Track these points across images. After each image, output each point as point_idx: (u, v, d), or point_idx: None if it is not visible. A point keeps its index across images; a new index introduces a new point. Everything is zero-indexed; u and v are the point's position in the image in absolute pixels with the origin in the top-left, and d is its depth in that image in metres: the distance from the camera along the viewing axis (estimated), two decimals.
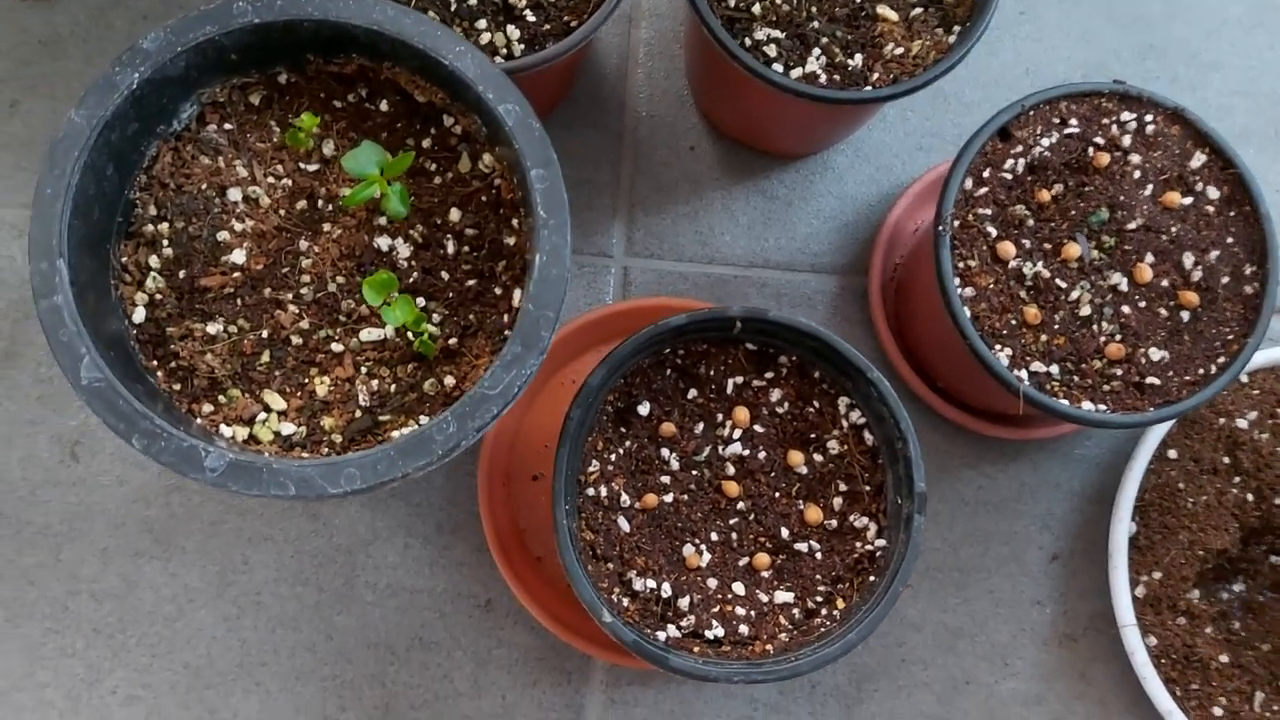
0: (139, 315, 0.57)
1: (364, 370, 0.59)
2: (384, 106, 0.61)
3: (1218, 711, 0.74)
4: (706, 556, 0.65)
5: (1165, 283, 0.66)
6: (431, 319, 0.59)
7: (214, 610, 0.76)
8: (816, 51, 0.69)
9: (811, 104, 0.68)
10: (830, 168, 0.85)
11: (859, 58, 0.69)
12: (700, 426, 0.66)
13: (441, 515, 0.78)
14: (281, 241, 0.59)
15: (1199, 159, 0.67)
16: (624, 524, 0.64)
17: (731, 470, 0.66)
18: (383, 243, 0.60)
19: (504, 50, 0.68)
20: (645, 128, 0.85)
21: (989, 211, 0.67)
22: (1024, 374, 0.65)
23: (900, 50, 0.69)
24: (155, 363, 0.57)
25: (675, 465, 0.66)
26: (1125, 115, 0.68)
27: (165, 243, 0.58)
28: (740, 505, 0.65)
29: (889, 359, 0.79)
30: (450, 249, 0.60)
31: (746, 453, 0.66)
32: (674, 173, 0.84)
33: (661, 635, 0.62)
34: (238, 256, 0.58)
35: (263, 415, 0.57)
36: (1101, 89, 0.68)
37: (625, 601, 0.63)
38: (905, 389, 0.79)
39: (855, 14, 0.71)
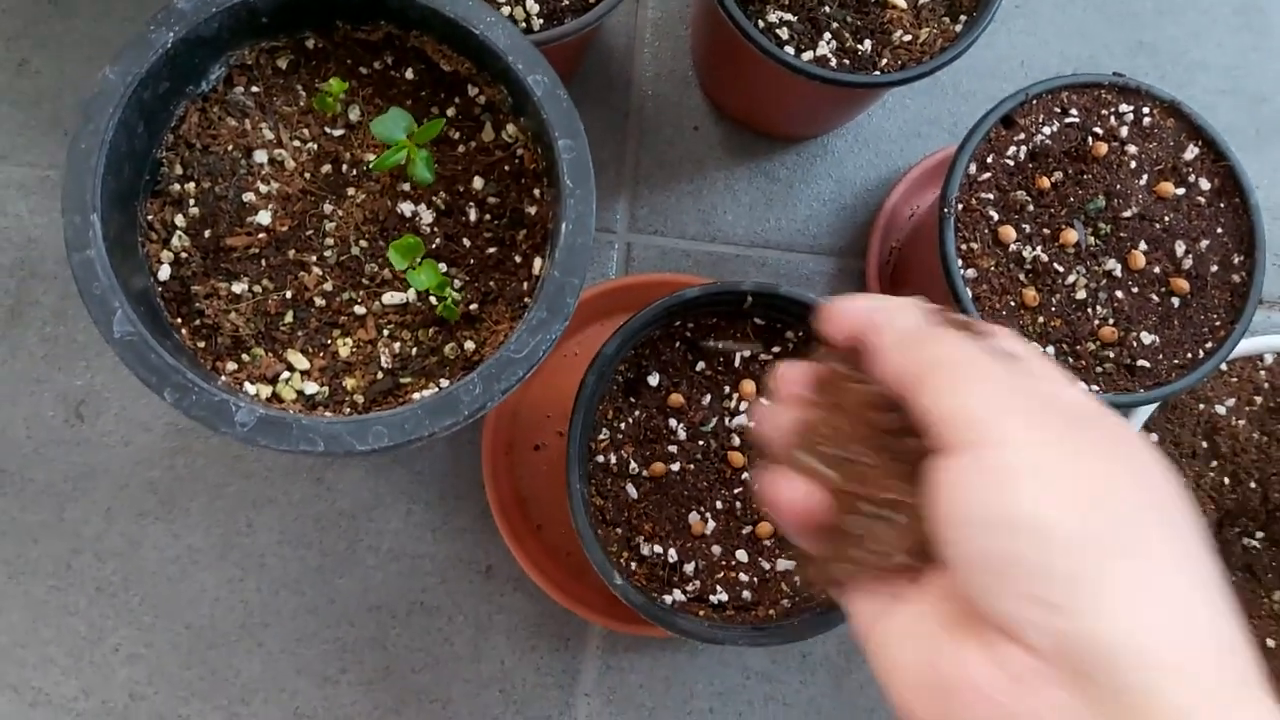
0: (164, 273, 0.58)
1: (386, 333, 0.60)
2: (409, 75, 0.62)
3: None
4: (711, 524, 0.66)
5: (1157, 270, 0.69)
6: (453, 285, 0.60)
7: (217, 572, 0.76)
8: (827, 36, 0.71)
9: (821, 86, 0.69)
10: (830, 151, 0.87)
11: (868, 43, 0.71)
12: (708, 398, 0.68)
13: (444, 483, 0.79)
14: (306, 204, 0.60)
15: (1192, 151, 0.70)
16: (632, 491, 0.66)
17: (737, 441, 0.68)
18: (406, 208, 0.61)
19: (523, 23, 0.70)
20: (651, 107, 0.86)
21: (991, 196, 0.69)
22: None
23: (909, 37, 0.71)
24: (180, 320, 0.58)
25: (683, 435, 0.67)
26: (1123, 107, 0.70)
27: (191, 202, 0.59)
28: (745, 475, 0.67)
29: None
30: (472, 216, 0.61)
31: (752, 424, 0.67)
32: (678, 152, 0.86)
33: (668, 599, 0.64)
34: (263, 218, 0.59)
35: (286, 374, 0.58)
36: (1101, 80, 0.70)
37: (633, 565, 0.65)
38: None
39: (865, 0, 0.72)
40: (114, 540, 0.76)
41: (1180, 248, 0.69)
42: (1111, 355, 0.68)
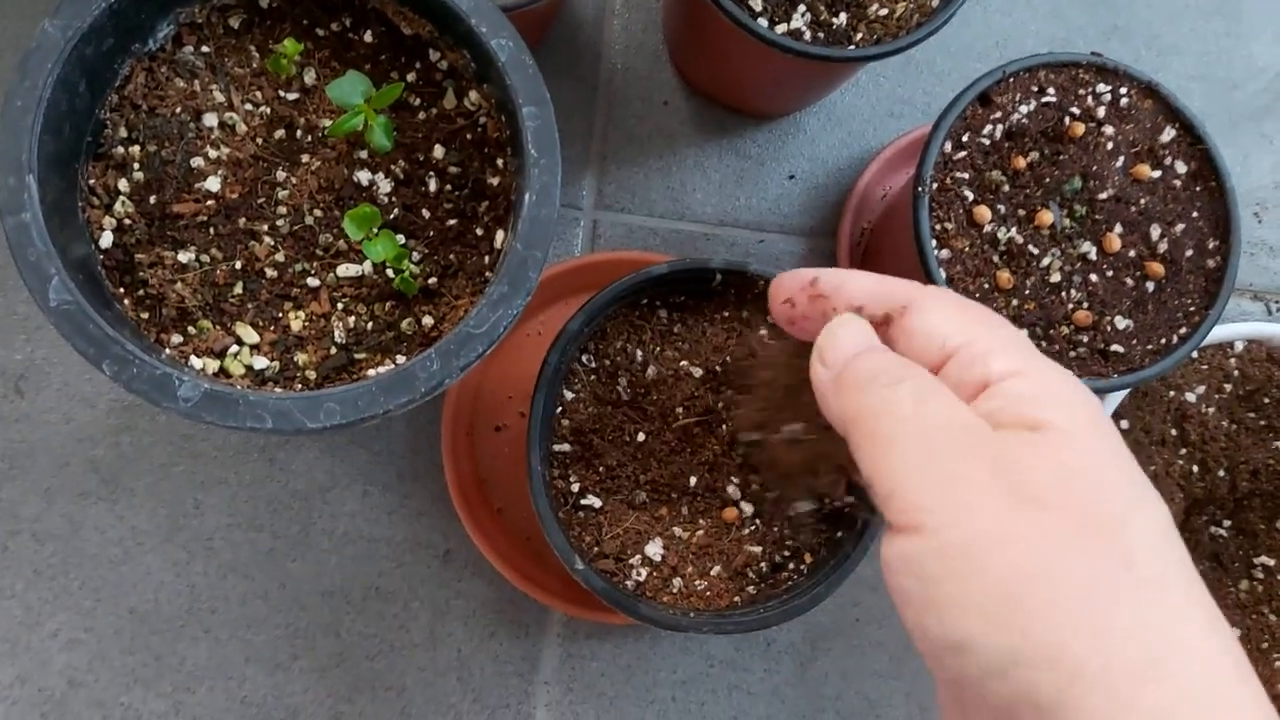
0: (106, 240, 0.55)
1: (340, 306, 0.57)
2: (368, 38, 0.60)
3: None
4: (678, 507, 0.64)
5: (1132, 253, 0.68)
6: (411, 257, 0.58)
7: (162, 555, 0.74)
8: (802, 8, 0.69)
9: (795, 60, 0.67)
10: (803, 130, 0.86)
11: (843, 16, 0.69)
12: (674, 378, 0.66)
13: (402, 464, 0.76)
14: (258, 171, 0.57)
15: (1169, 133, 0.69)
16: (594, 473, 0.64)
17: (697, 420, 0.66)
18: (363, 177, 0.58)
19: None
20: (620, 80, 0.84)
21: (966, 176, 0.67)
22: None
23: (885, 11, 0.69)
24: (123, 290, 0.55)
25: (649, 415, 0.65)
26: (1101, 87, 0.69)
27: (136, 166, 0.56)
28: (708, 462, 0.65)
29: None
30: (432, 186, 0.59)
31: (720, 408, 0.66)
32: (647, 126, 0.84)
33: (630, 584, 0.62)
34: (212, 184, 0.56)
35: (234, 348, 0.55)
36: (1079, 60, 0.69)
37: (595, 549, 0.63)
38: None
39: None
40: (53, 521, 0.73)
41: (1156, 231, 0.68)
42: (1085, 340, 0.67)
